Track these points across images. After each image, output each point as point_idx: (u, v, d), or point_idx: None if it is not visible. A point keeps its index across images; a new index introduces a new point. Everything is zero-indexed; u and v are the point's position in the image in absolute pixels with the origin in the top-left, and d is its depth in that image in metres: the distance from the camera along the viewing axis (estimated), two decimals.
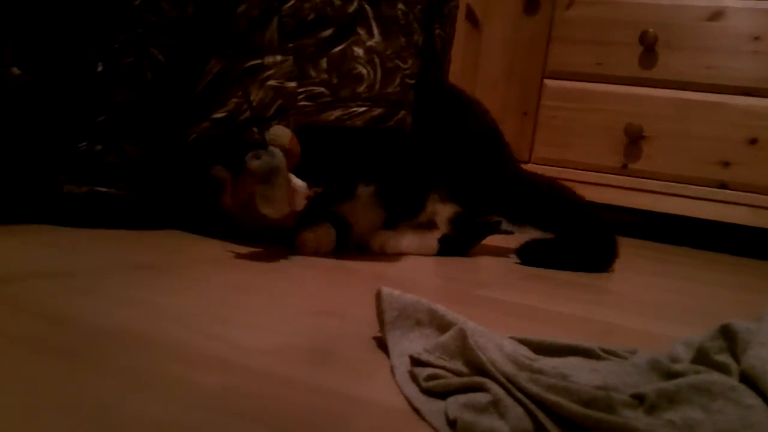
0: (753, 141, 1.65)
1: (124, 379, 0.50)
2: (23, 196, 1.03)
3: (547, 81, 1.88)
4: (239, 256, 0.99)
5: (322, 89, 1.00)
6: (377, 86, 1.03)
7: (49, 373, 0.49)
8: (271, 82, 1.00)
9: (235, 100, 1.01)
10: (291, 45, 1.01)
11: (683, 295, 1.10)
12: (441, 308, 0.63)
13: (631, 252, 1.51)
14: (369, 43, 1.03)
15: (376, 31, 1.04)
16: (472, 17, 1.92)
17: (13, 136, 1.00)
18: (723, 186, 1.69)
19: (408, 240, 1.19)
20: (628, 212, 1.85)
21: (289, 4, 1.01)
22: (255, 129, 0.99)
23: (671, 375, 0.51)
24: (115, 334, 0.60)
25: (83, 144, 1.03)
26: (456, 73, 1.56)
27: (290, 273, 0.93)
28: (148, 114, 1.07)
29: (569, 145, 1.85)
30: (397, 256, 1.13)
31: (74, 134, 1.04)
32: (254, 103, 1.00)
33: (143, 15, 1.05)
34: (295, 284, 0.87)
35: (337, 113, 1.01)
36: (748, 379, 0.48)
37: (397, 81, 1.06)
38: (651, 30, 1.72)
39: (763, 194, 1.65)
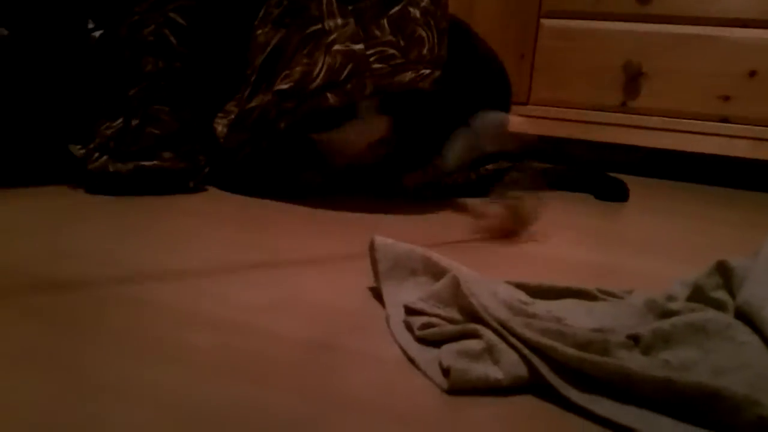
0: (752, 73, 1.63)
1: (110, 342, 0.50)
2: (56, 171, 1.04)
3: (543, 21, 1.84)
4: (237, 212, 0.99)
5: (393, 51, 0.99)
6: (436, 49, 1.02)
7: (29, 336, 0.49)
8: (337, 47, 0.98)
9: (299, 68, 0.99)
10: (350, 8, 0.99)
11: (684, 233, 1.09)
12: (435, 255, 0.62)
13: (632, 190, 1.50)
14: (423, 4, 1.01)
15: None
16: None
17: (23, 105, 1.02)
18: (724, 120, 1.66)
19: None
20: (628, 150, 1.84)
21: None
22: (329, 94, 0.98)
23: (667, 314, 0.51)
24: (103, 296, 0.60)
25: (119, 121, 1.03)
26: None
27: (286, 227, 0.93)
28: (182, 81, 1.07)
29: (568, 85, 1.82)
30: (393, 206, 1.12)
31: (107, 111, 1.04)
32: (323, 69, 0.98)
33: None
34: (291, 238, 0.87)
35: (409, 75, 1.00)
36: (743, 316, 0.48)
37: (445, 43, 1.05)
38: None
39: (764, 126, 1.63)
